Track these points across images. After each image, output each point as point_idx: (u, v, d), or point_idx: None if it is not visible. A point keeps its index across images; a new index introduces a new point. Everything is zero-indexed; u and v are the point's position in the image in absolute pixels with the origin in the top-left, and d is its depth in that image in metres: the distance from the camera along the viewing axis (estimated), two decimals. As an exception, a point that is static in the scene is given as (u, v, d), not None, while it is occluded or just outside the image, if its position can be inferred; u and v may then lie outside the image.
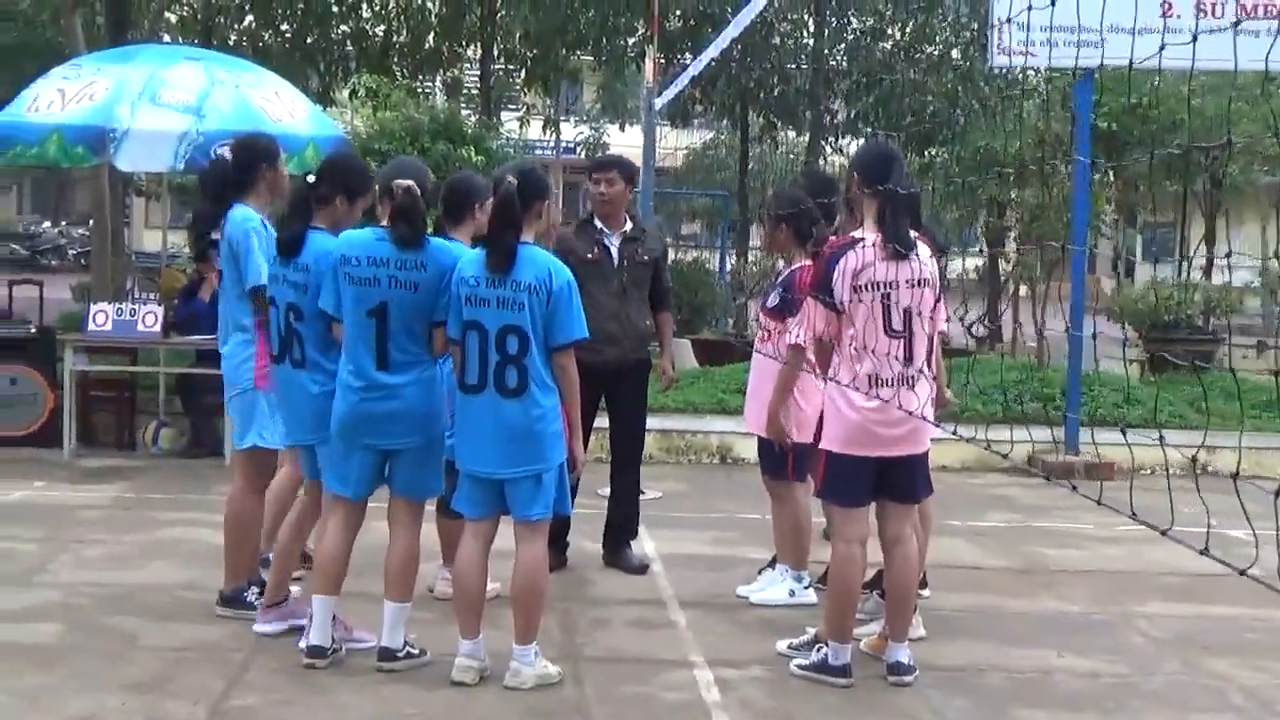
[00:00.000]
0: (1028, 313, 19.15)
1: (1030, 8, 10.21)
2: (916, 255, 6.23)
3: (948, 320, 6.85)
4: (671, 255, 25.85)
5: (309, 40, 22.24)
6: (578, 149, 36.81)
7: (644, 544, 9.20)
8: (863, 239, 6.28)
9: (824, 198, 7.66)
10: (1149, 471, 11.28)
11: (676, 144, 37.26)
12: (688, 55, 20.96)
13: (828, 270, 6.29)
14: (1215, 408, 14.26)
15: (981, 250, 22.54)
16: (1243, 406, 14.40)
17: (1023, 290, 21.82)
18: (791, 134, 25.87)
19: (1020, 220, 19.29)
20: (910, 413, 6.13)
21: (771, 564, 8.15)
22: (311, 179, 6.68)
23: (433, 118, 15.05)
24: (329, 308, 6.36)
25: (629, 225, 8.53)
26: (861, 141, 23.46)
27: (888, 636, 6.61)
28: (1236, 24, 12.50)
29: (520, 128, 29.87)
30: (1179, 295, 17.85)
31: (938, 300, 6.38)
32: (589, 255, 8.26)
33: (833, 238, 6.86)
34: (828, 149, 23.82)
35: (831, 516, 6.58)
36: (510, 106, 28.76)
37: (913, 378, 6.21)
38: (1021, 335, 19.82)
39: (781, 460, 7.62)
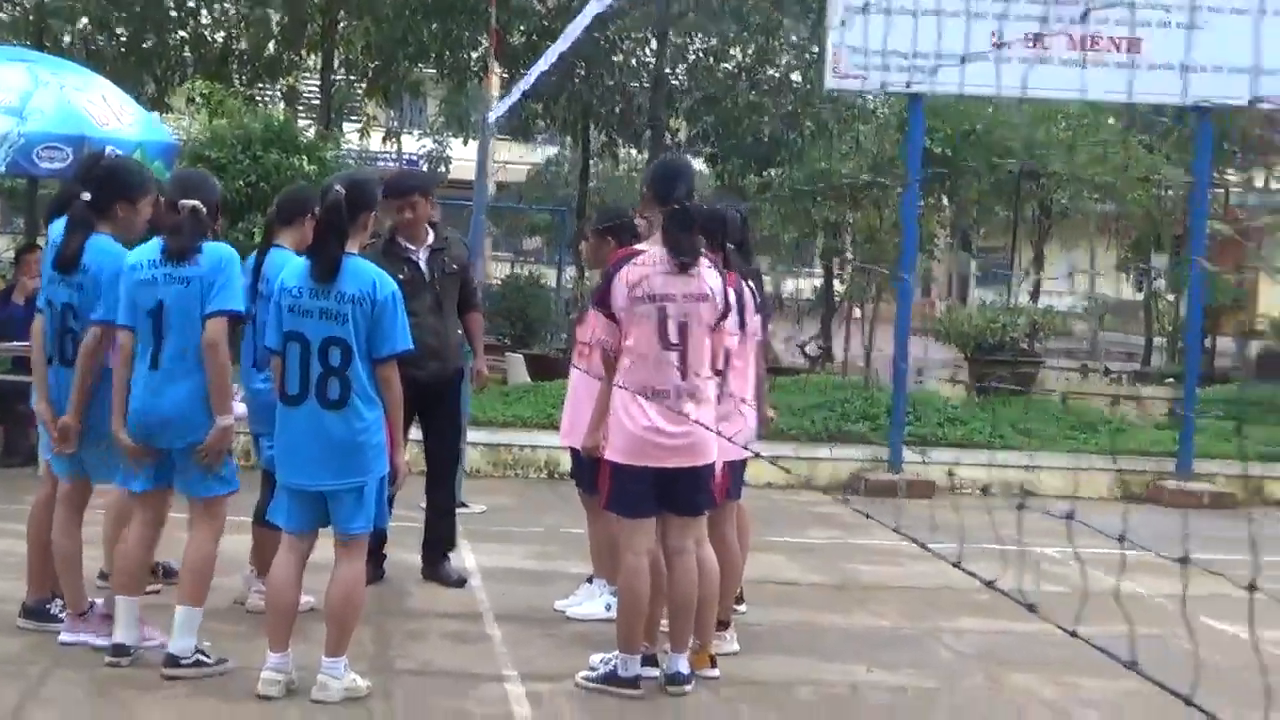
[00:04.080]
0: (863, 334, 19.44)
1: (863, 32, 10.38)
2: (698, 271, 6.31)
3: (764, 339, 6.93)
4: (508, 270, 25.88)
5: (145, 45, 21.84)
6: (420, 161, 36.60)
7: (465, 558, 9.19)
8: (644, 251, 6.38)
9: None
10: (969, 491, 11.54)
11: (520, 159, 37.39)
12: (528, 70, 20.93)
13: (607, 282, 6.41)
14: (1036, 429, 14.56)
15: (815, 271, 22.85)
16: (1076, 430, 14.72)
17: (857, 312, 22.20)
18: (632, 151, 25.98)
19: (854, 242, 19.58)
20: (688, 425, 6.17)
21: (591, 579, 8.17)
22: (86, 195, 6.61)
23: (266, 125, 14.85)
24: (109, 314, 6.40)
25: (431, 237, 8.46)
26: (701, 160, 23.70)
27: (698, 649, 6.67)
28: (1038, 40, 12.80)
29: (361, 138, 29.55)
30: (1004, 319, 18.19)
31: (723, 316, 6.44)
32: (400, 276, 8.07)
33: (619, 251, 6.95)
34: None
35: (617, 528, 6.60)
36: (353, 117, 28.48)
37: (691, 390, 6.26)
38: (850, 356, 20.13)
39: (595, 474, 7.64)
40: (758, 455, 6.62)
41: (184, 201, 6.34)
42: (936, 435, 13.50)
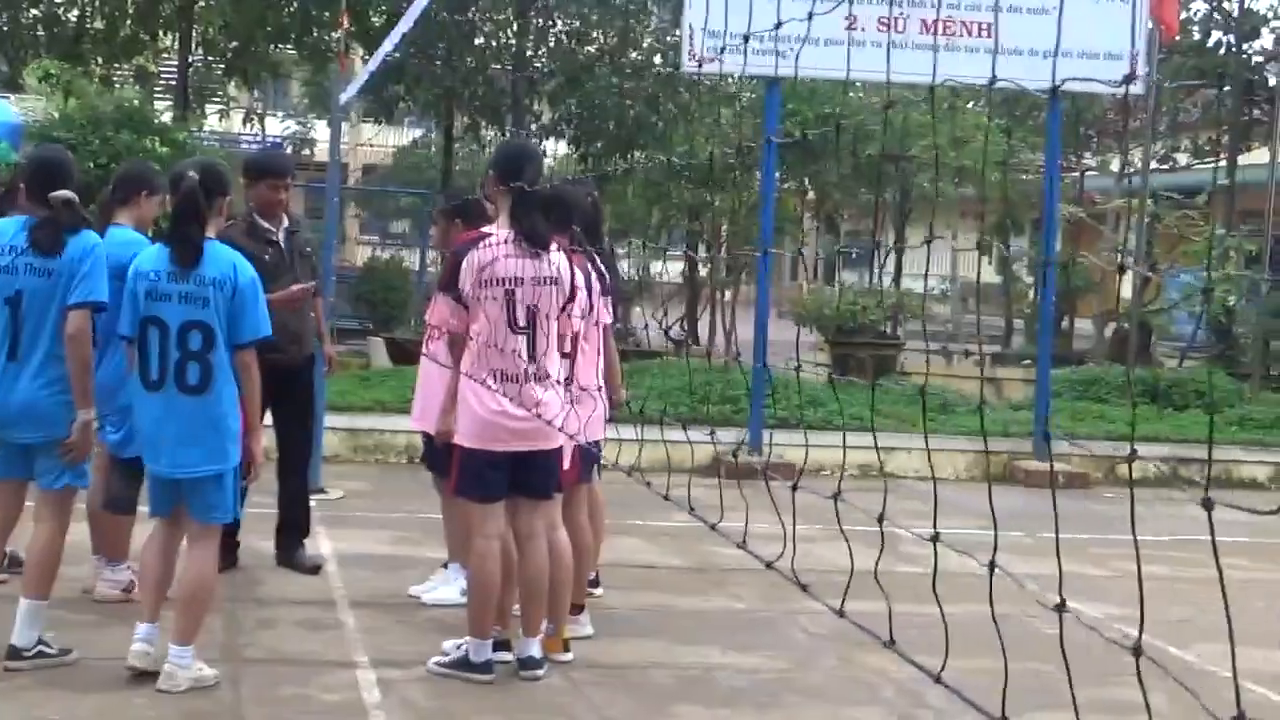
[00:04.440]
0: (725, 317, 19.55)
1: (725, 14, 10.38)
2: (546, 254, 6.30)
3: (614, 321, 6.94)
4: (369, 254, 25.74)
5: None
6: (284, 143, 36.10)
7: (321, 544, 9.10)
8: (489, 234, 6.37)
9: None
10: (828, 472, 11.62)
11: (387, 143, 37.07)
12: (395, 53, 20.73)
13: (454, 265, 6.41)
14: (894, 411, 14.70)
15: (678, 254, 22.93)
16: (925, 412, 14.88)
17: (725, 295, 22.30)
18: (496, 133, 25.75)
19: (716, 226, 19.66)
20: (532, 413, 6.16)
21: (446, 564, 8.12)
22: None
23: (117, 106, 14.56)
24: None
25: (285, 220, 8.40)
26: (563, 143, 23.63)
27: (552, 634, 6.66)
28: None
29: (221, 120, 29.07)
30: (863, 301, 18.37)
31: (570, 299, 6.44)
32: (266, 257, 7.95)
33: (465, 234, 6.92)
34: (531, 150, 23.89)
35: (468, 513, 6.57)
36: (214, 99, 28.01)
37: (537, 374, 6.26)
38: (714, 340, 20.21)
39: (448, 459, 7.57)
40: (595, 443, 6.63)
41: (56, 195, 6.17)
42: (796, 417, 13.57)
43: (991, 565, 2.60)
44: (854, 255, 31.23)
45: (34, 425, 6.16)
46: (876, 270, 23.49)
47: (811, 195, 25.42)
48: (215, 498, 6.03)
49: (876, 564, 3.11)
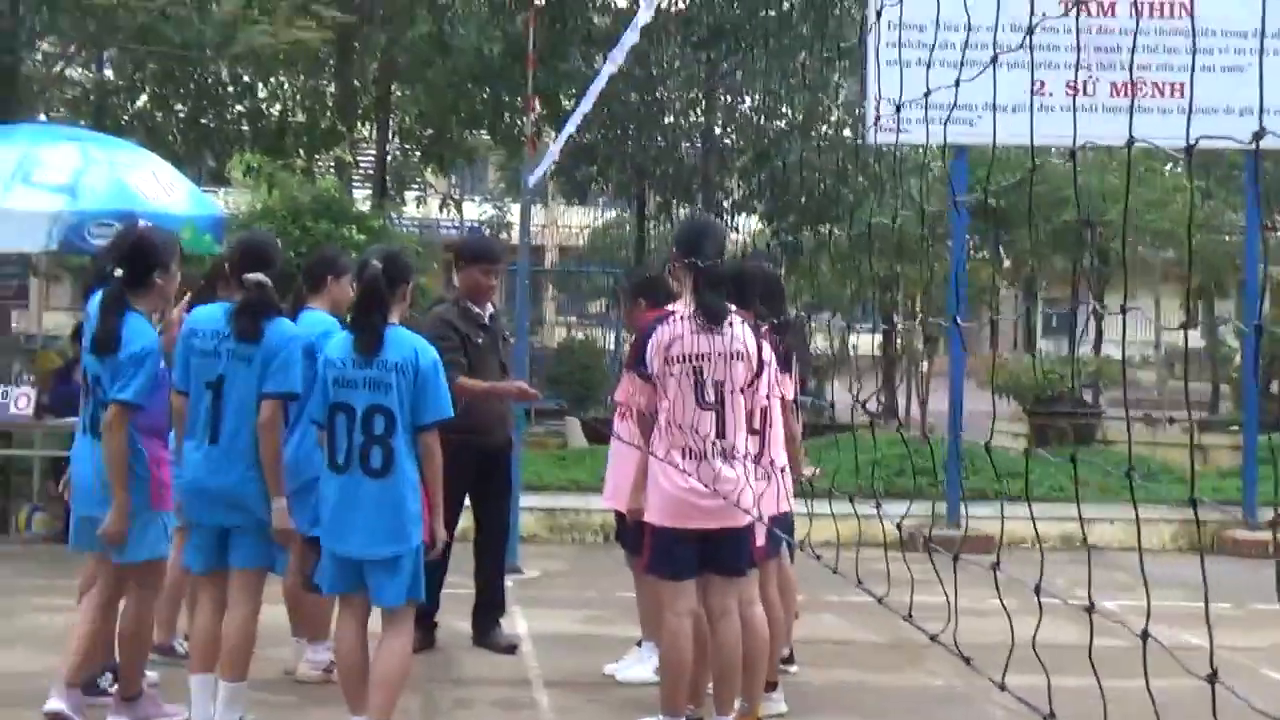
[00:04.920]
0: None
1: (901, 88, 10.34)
2: (730, 328, 6.29)
3: (799, 395, 6.90)
4: (564, 334, 25.79)
5: (203, 121, 22.15)
6: (482, 227, 36.74)
7: (516, 623, 9.17)
8: (674, 312, 6.39)
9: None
10: (1027, 545, 11.40)
11: (578, 223, 37.46)
12: (586, 135, 21.05)
13: (641, 343, 6.45)
14: (1096, 480, 14.37)
15: (872, 326, 22.76)
16: (1130, 482, 14.48)
17: (924, 365, 22.02)
18: (686, 211, 25.94)
19: (909, 296, 19.48)
20: (719, 490, 6.11)
21: (640, 642, 8.12)
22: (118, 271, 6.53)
23: (314, 197, 14.94)
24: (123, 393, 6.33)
25: (490, 306, 8.63)
26: (755, 218, 23.64)
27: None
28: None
29: (418, 206, 29.69)
30: (1061, 369, 18.03)
31: (758, 374, 6.42)
32: (479, 340, 8.32)
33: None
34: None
35: (659, 590, 6.56)
36: (412, 186, 28.66)
37: (726, 451, 6.23)
38: (912, 411, 19.96)
39: (640, 536, 7.56)
40: (785, 516, 6.59)
41: (249, 277, 6.35)
42: (995, 489, 13.35)
43: (1210, 637, 2.49)
44: (1053, 323, 30.73)
45: (234, 509, 6.29)
46: (1076, 337, 23.08)
47: (1007, 263, 25.11)
48: (394, 577, 6.06)
49: (1090, 641, 2.97)
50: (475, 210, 38.35)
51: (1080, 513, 10.13)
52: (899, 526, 3.70)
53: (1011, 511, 12.43)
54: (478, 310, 8.44)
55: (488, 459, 8.37)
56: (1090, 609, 2.83)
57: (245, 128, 22.59)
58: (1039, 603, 3.17)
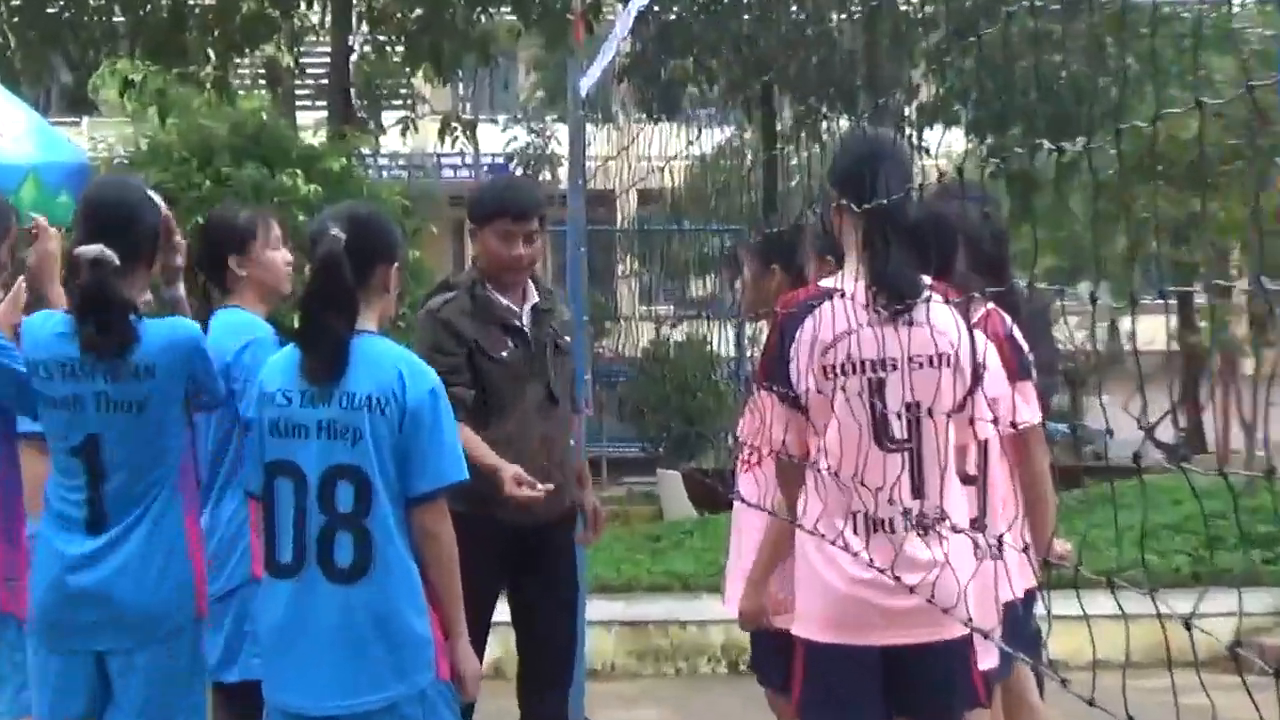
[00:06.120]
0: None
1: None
2: (927, 315, 4.09)
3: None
4: (651, 333, 17.15)
5: (50, 9, 15.06)
6: (511, 164, 25.91)
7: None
8: (835, 290, 4.21)
9: None
10: None
11: (666, 152, 27.88)
12: (674, 6, 16.06)
13: (781, 341, 4.31)
14: None
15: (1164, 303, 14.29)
16: None
17: (1247, 366, 14.65)
18: (844, 125, 17.56)
19: (1217, 250, 13.32)
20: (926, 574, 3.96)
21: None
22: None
23: (234, 126, 10.68)
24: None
25: (534, 291, 5.68)
26: (956, 131, 17.79)
27: None
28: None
29: (404, 135, 18.81)
30: None
31: (974, 386, 4.23)
32: (503, 353, 5.45)
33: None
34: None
35: None
36: (393, 103, 20.51)
37: (926, 516, 4.15)
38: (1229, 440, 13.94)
39: (778, 657, 4.95)
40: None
41: (83, 251, 4.25)
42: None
43: None
44: None
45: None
46: None
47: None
48: None
49: None
50: (498, 138, 26.35)
51: None
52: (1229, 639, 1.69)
53: None
54: (504, 301, 5.53)
55: (532, 545, 5.49)
56: None
57: (119, 18, 15.32)
58: None
